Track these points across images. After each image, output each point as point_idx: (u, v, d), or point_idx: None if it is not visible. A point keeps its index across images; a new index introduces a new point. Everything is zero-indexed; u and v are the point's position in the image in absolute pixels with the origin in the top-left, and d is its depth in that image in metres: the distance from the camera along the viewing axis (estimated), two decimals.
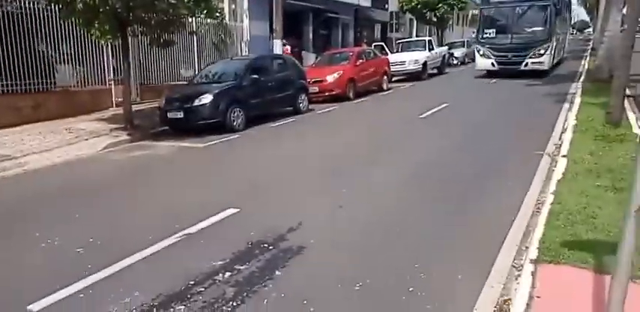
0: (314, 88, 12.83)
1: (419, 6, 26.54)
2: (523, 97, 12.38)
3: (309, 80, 12.52)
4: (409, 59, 18.29)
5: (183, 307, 3.10)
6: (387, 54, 19.26)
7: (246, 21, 17.35)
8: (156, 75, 13.43)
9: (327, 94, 13.18)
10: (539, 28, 16.17)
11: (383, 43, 23.15)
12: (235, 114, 9.52)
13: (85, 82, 11.60)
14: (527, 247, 3.52)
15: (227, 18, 16.42)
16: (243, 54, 16.43)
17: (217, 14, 13.69)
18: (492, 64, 16.81)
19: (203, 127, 9.23)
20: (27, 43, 10.06)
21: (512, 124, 8.91)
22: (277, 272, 3.49)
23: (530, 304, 2.76)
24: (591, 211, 3.98)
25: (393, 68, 17.09)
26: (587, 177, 4.90)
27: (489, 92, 13.77)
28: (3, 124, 9.60)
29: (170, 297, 3.23)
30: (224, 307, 3.06)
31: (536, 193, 4.83)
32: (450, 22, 31.60)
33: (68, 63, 11.22)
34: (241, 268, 3.58)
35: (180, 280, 3.43)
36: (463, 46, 26.55)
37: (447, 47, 23.87)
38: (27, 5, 10.09)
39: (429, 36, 26.56)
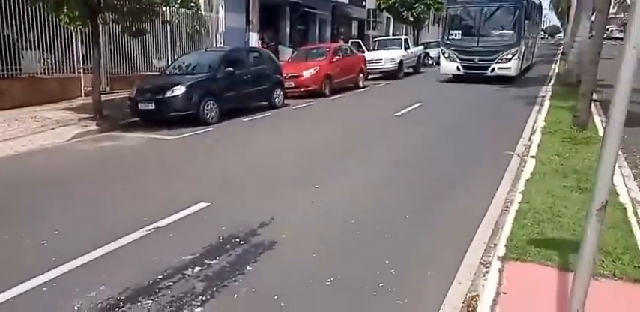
0: (290, 83, 12.73)
1: (396, 4, 26.71)
2: (494, 98, 12.64)
3: (285, 75, 12.43)
4: (386, 57, 18.38)
5: (150, 301, 3.04)
6: (363, 51, 19.35)
7: (221, 12, 17.05)
8: (127, 64, 13.08)
9: (302, 89, 13.11)
10: (508, 32, 15.45)
11: (360, 41, 23.24)
12: (209, 107, 9.36)
13: (52, 69, 11.21)
14: (495, 245, 3.59)
15: (202, 8, 16.08)
16: (218, 46, 16.18)
17: (192, 4, 13.40)
18: (458, 67, 15.95)
19: (175, 119, 9.05)
20: None
21: (483, 124, 9.09)
22: (248, 267, 3.46)
23: (497, 300, 2.82)
24: (557, 210, 4.10)
25: (369, 66, 17.12)
26: (554, 177, 5.04)
27: (462, 93, 13.98)
28: None
29: (138, 291, 3.16)
30: (193, 302, 3.02)
31: (505, 192, 4.93)
32: (427, 23, 31.91)
33: (35, 49, 10.81)
34: (211, 262, 3.54)
35: (149, 274, 3.37)
36: (438, 46, 26.86)
37: (422, 47, 24.13)
38: None
39: (406, 35, 26.80)
